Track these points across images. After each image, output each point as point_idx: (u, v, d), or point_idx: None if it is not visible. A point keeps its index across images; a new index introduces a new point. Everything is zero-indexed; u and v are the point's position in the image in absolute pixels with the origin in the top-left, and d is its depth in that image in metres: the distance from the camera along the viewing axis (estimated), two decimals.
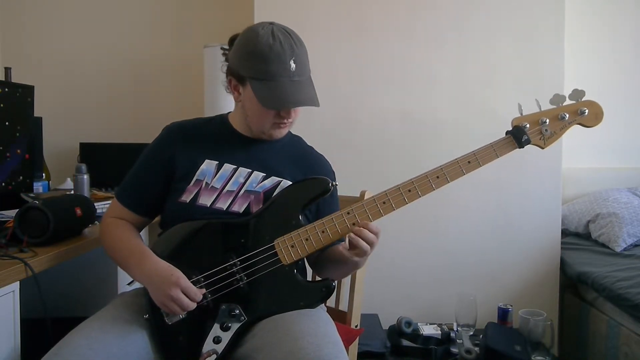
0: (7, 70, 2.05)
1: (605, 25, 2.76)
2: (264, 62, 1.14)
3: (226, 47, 1.27)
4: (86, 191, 1.79)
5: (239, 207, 1.21)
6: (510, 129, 1.22)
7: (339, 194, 1.38)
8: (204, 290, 1.12)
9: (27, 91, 1.66)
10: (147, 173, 1.27)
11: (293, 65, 1.14)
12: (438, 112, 2.29)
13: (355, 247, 1.12)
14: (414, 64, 2.28)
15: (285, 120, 1.21)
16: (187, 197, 1.21)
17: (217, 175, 1.22)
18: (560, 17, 2.26)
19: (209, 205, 1.20)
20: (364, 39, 2.27)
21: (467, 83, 2.29)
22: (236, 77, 1.21)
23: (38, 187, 1.98)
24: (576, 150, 2.67)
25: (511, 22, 2.27)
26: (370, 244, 1.12)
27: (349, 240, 1.13)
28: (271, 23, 1.18)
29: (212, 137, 1.27)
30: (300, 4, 2.26)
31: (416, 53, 2.28)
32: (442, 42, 2.28)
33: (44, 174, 2.14)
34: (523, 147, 1.20)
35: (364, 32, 2.27)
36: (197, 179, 1.21)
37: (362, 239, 1.11)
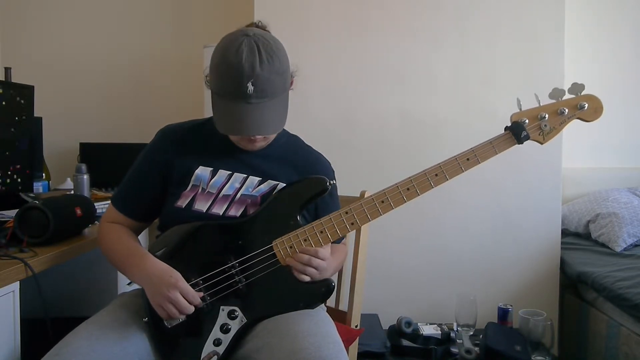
0: (7, 70, 2.05)
1: (605, 25, 2.76)
2: (222, 80, 1.10)
3: None
4: (86, 191, 1.79)
5: (236, 212, 1.20)
6: (510, 124, 1.20)
7: (339, 194, 1.37)
8: (202, 294, 1.11)
9: (27, 91, 1.66)
10: (143, 178, 1.26)
11: (250, 88, 1.07)
12: (438, 112, 2.29)
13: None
14: (414, 64, 2.28)
15: (252, 137, 1.17)
16: (183, 202, 1.20)
17: (212, 181, 1.21)
18: (560, 17, 2.26)
19: (205, 211, 1.19)
20: (364, 39, 2.27)
21: (467, 83, 2.29)
22: (208, 85, 1.18)
23: (38, 187, 1.98)
24: (576, 150, 2.68)
25: (511, 22, 2.27)
26: (302, 270, 1.11)
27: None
28: (246, 34, 1.10)
29: (206, 142, 1.25)
30: (300, 4, 2.26)
31: (416, 53, 2.28)
32: (442, 42, 2.28)
33: (44, 174, 2.14)
34: (522, 143, 1.18)
35: (364, 32, 2.27)
36: (193, 184, 1.20)
37: (296, 260, 1.11)
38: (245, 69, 1.06)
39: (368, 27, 2.27)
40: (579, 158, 2.72)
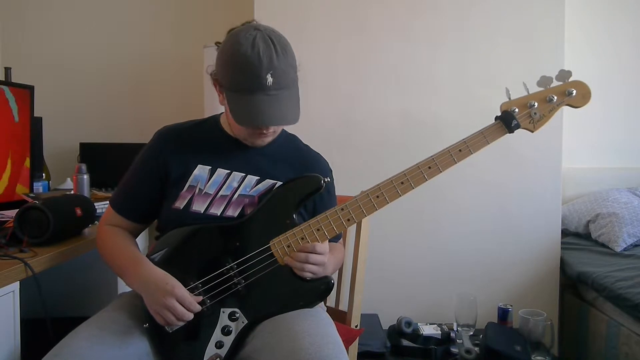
0: (7, 70, 2.05)
1: (605, 25, 2.76)
2: (239, 74, 1.09)
3: (220, 43, 1.20)
4: (86, 191, 1.79)
5: (233, 212, 1.19)
6: (500, 114, 1.21)
7: (339, 193, 1.37)
8: (200, 298, 1.10)
9: (27, 91, 1.66)
10: (141, 180, 1.25)
11: (270, 80, 1.07)
12: (438, 112, 2.29)
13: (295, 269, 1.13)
14: (414, 64, 2.28)
15: (265, 131, 1.17)
16: (180, 204, 1.19)
17: (211, 181, 1.20)
18: (560, 17, 2.26)
19: (202, 212, 1.19)
20: (364, 38, 2.27)
21: (467, 83, 2.29)
22: (217, 83, 1.19)
23: (38, 187, 1.98)
24: (576, 150, 2.67)
25: (511, 22, 2.27)
26: (301, 268, 1.11)
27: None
28: (256, 28, 1.11)
29: (204, 141, 1.25)
30: (300, 4, 2.26)
31: (416, 53, 2.28)
32: (442, 42, 2.28)
33: (44, 174, 2.14)
34: (513, 131, 1.19)
35: (364, 32, 2.27)
36: (190, 185, 1.20)
37: (294, 259, 1.12)
38: (264, 61, 1.07)
39: (368, 27, 2.27)
40: (579, 158, 2.72)
